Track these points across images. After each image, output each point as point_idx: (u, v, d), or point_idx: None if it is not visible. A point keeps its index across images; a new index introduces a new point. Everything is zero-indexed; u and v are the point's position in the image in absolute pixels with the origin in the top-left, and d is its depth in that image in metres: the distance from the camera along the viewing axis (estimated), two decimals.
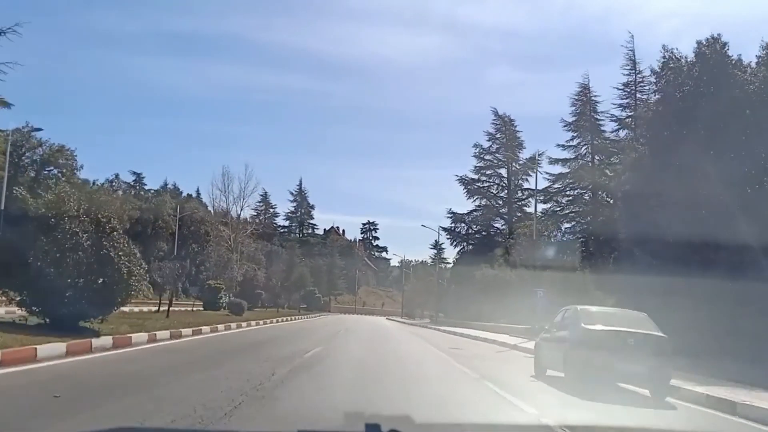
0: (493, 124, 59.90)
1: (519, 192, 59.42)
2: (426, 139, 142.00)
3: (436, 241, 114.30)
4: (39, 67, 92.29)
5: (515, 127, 59.53)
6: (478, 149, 59.81)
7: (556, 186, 51.04)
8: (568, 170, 50.25)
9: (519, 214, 58.66)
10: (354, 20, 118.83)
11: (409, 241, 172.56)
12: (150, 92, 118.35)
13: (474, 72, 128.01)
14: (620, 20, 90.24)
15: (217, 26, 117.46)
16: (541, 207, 58.29)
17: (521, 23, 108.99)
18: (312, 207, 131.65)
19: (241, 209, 68.68)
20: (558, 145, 50.49)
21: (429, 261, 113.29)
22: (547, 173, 51.33)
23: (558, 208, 49.86)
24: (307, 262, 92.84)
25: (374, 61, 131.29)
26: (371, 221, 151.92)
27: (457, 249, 61.03)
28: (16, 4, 75.00)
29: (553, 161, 50.72)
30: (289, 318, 40.53)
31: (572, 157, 50.17)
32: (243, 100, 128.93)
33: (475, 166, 60.19)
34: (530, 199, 58.08)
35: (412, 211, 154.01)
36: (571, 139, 50.05)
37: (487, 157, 60.18)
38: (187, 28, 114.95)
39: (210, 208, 67.96)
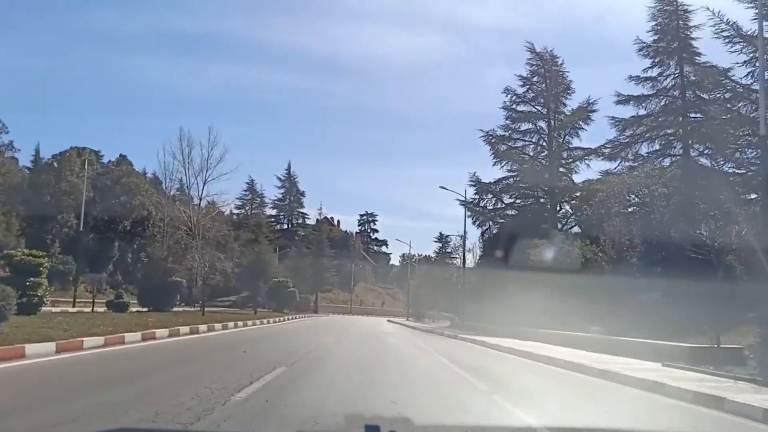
0: (528, 64, 45.15)
1: (565, 152, 44.54)
2: (426, 138, 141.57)
3: (440, 233, 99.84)
4: (39, 66, 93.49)
5: (560, 65, 44.72)
6: (509, 96, 44.97)
7: (625, 135, 36.21)
8: (645, 112, 35.52)
9: (565, 180, 43.88)
10: (354, 20, 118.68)
11: (409, 240, 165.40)
12: (150, 92, 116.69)
13: (473, 71, 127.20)
14: (618, 19, 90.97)
15: (217, 26, 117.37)
16: (599, 167, 44.17)
17: (520, 23, 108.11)
18: (302, 194, 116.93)
19: (204, 184, 54.19)
20: (630, 77, 35.74)
21: (433, 256, 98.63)
22: (612, 118, 36.59)
23: (635, 164, 34.86)
24: (293, 253, 78.01)
25: (374, 61, 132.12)
26: (369, 212, 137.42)
27: (481, 230, 46.10)
28: (16, 4, 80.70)
29: (623, 99, 35.92)
30: (218, 325, 25.70)
31: (652, 92, 35.39)
32: (243, 100, 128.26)
33: (506, 121, 45.42)
34: (586, 159, 43.33)
35: (412, 211, 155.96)
36: (651, 68, 35.30)
37: (521, 108, 45.35)
38: (186, 28, 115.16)
39: (164, 182, 53.38)
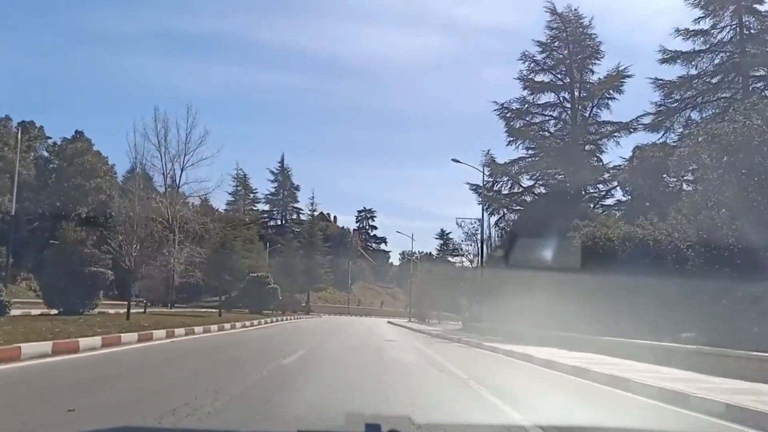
0: (548, 29, 39.16)
1: (592, 128, 38.58)
2: (426, 138, 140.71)
3: (442, 230, 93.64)
4: (39, 66, 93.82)
5: (586, 27, 38.71)
6: (527, 63, 39.01)
7: (672, 99, 30.33)
8: (695, 72, 29.64)
9: (594, 160, 38.01)
10: (354, 20, 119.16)
11: (411, 233, 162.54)
12: (150, 92, 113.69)
13: (473, 71, 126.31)
14: (616, 18, 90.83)
15: (217, 26, 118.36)
16: (631, 144, 37.91)
17: (518, 22, 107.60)
18: (297, 188, 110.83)
19: (182, 170, 48.19)
20: (677, 31, 29.81)
21: (435, 254, 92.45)
22: (656, 80, 30.70)
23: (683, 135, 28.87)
24: (283, 249, 71.95)
25: (373, 61, 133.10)
26: (368, 208, 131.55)
27: (495, 219, 40.09)
28: (16, 4, 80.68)
29: (669, 57, 30.04)
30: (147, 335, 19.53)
31: (704, 48, 29.52)
32: (242, 100, 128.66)
33: (522, 92, 39.52)
34: (615, 135, 37.45)
35: (412, 211, 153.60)
36: (702, 18, 29.40)
37: (539, 78, 39.43)
38: (186, 28, 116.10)
39: (136, 168, 47.11)
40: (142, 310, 33.68)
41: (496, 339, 22.73)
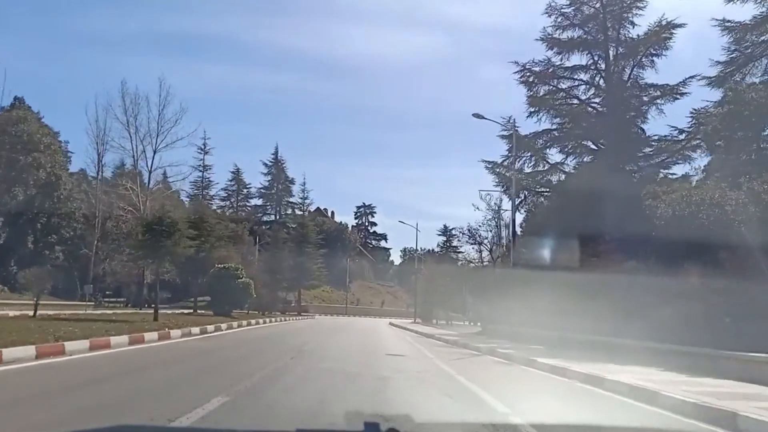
0: None
1: (632, 91, 32.33)
2: (424, 138, 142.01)
3: (445, 225, 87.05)
4: (38, 67, 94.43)
5: None
6: (553, 18, 32.78)
7: (746, 43, 24.17)
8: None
9: (636, 130, 31.85)
10: (350, 20, 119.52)
11: (410, 237, 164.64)
12: (144, 92, 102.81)
13: (469, 70, 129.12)
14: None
15: (213, 27, 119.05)
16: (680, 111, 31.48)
17: (515, 20, 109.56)
18: (292, 182, 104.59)
19: (155, 152, 42.51)
20: None
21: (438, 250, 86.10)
22: (723, 21, 24.54)
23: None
24: (272, 241, 65.65)
25: (368, 61, 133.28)
26: (367, 204, 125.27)
27: (518, 201, 33.87)
28: (15, 4, 79.76)
29: None
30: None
31: None
32: (239, 101, 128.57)
33: (546, 52, 33.34)
34: (657, 102, 31.34)
35: (412, 211, 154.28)
36: None
37: (565, 34, 33.20)
38: (183, 29, 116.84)
39: (97, 148, 40.66)
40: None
41: (537, 350, 16.69)
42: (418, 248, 77.04)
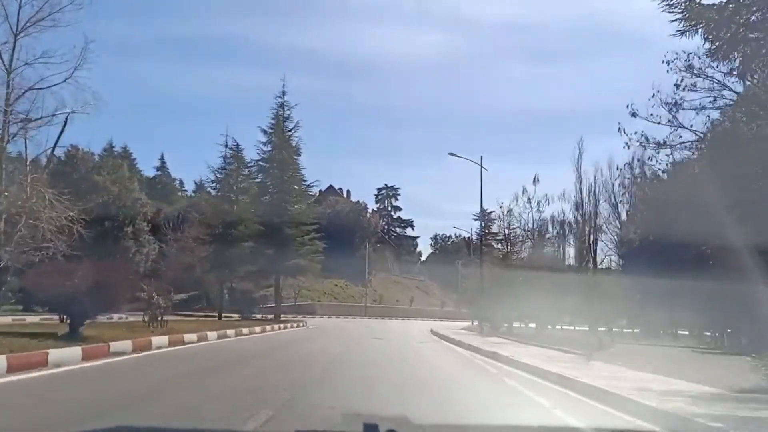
0: None
1: None
2: (432, 136, 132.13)
3: (481, 207, 68.12)
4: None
5: None
6: None
7: None
8: None
9: None
10: (359, 19, 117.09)
11: (442, 224, 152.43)
12: (162, 99, 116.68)
13: (481, 67, 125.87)
14: (626, 9, 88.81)
15: (223, 30, 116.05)
16: None
17: (526, 16, 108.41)
18: (298, 153, 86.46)
19: (15, 38, 24.98)
20: None
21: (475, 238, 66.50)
22: None
23: None
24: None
25: (380, 60, 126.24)
26: (389, 185, 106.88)
27: (670, 133, 14.73)
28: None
29: None
30: None
31: None
32: (248, 104, 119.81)
33: None
34: None
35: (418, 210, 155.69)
36: None
37: None
38: (193, 33, 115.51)
39: None
40: None
41: None
42: (453, 234, 58.36)
